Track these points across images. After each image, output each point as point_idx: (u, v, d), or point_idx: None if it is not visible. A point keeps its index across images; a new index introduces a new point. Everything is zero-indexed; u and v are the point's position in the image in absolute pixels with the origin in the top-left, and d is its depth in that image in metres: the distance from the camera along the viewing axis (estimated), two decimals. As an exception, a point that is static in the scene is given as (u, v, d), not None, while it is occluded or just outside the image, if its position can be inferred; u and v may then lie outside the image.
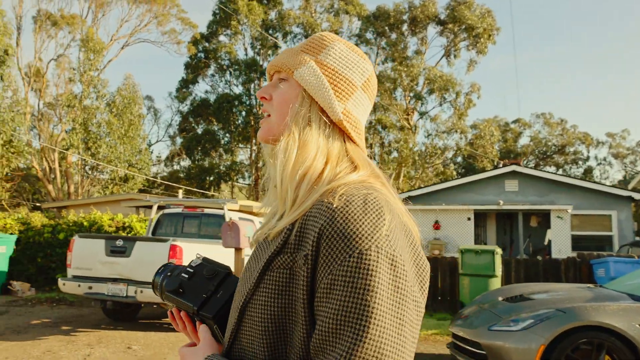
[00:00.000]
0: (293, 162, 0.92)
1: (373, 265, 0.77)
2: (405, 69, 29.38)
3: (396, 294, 0.78)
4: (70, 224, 11.41)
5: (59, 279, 7.24)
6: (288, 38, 33.86)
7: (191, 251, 6.98)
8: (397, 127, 30.74)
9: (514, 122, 49.95)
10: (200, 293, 1.03)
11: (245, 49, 34.32)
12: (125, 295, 6.86)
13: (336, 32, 33.81)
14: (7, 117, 19.02)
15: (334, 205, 0.82)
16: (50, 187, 28.66)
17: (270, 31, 33.58)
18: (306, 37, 34.25)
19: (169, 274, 1.09)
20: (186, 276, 1.05)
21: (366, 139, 23.61)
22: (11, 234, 11.50)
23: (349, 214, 0.81)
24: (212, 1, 31.76)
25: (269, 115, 1.00)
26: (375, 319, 0.75)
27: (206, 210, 8.83)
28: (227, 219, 7.50)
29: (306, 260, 0.82)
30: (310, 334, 0.81)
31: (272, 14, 34.45)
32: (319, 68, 0.97)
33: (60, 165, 25.00)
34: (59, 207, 18.08)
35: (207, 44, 34.06)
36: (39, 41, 27.88)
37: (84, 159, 22.77)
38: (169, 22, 32.11)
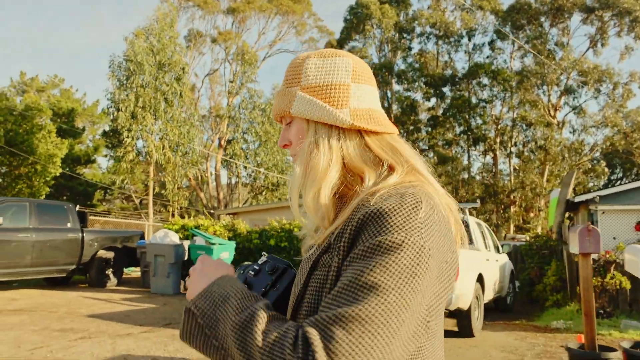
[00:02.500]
0: (308, 183, 0.96)
1: (395, 248, 0.80)
2: (553, 62, 27.88)
3: (410, 279, 0.79)
4: (279, 230, 11.97)
5: None
6: (421, 39, 33.49)
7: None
8: (543, 123, 29.24)
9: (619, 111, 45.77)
10: (261, 287, 1.09)
11: (379, 52, 34.46)
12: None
13: (471, 30, 32.93)
14: (184, 130, 20.71)
15: (372, 202, 0.87)
16: (202, 194, 30.68)
17: (404, 33, 33.44)
18: (439, 37, 33.74)
19: (241, 272, 1.15)
20: (252, 273, 1.12)
21: (510, 137, 22.35)
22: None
23: (385, 207, 0.84)
24: (344, 8, 32.10)
25: (295, 156, 1.03)
26: (376, 293, 0.77)
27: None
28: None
29: (343, 246, 0.86)
30: None
31: (402, 16, 34.30)
32: (306, 94, 0.99)
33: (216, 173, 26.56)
34: (231, 213, 19.13)
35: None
36: (190, 58, 30.09)
37: (245, 167, 24.14)
38: (306, 32, 33.12)
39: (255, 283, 1.12)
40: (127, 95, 19.72)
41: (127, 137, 19.66)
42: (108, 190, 39.55)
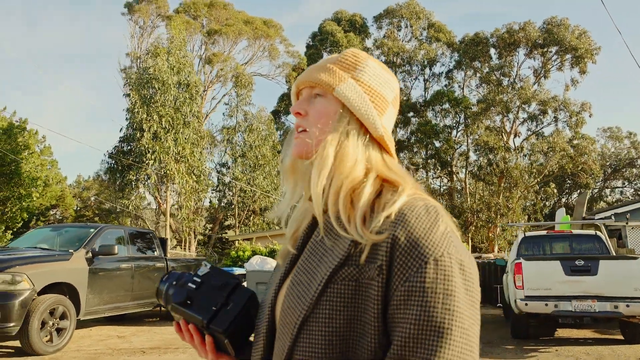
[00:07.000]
0: (333, 175, 0.92)
1: (448, 271, 0.80)
2: (516, 92, 30.14)
3: (468, 296, 0.81)
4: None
5: (518, 300, 7.71)
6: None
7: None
8: (502, 148, 31.30)
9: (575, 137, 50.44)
10: (209, 305, 0.97)
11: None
12: (596, 310, 7.34)
13: (433, 60, 34.76)
14: (197, 152, 19.81)
15: (404, 216, 0.84)
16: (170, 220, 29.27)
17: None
18: (398, 65, 35.16)
19: (174, 282, 1.02)
20: (193, 286, 0.99)
21: (475, 161, 23.85)
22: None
23: (419, 223, 0.83)
24: (310, 32, 32.64)
25: (303, 131, 0.99)
26: (457, 321, 0.77)
27: (574, 232, 9.33)
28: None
29: (381, 270, 0.82)
30: (382, 344, 0.81)
31: (367, 44, 35.44)
32: (357, 85, 0.98)
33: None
34: (247, 238, 18.59)
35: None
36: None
37: (244, 191, 23.44)
38: (279, 57, 33.17)
39: (199, 299, 0.98)
40: (149, 114, 18.55)
41: (150, 159, 18.45)
42: (40, 217, 36.64)
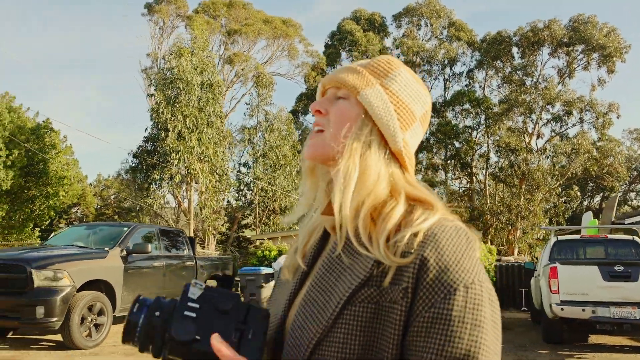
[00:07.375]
0: (354, 188, 0.86)
1: (478, 300, 0.76)
2: (539, 92, 29.81)
3: (495, 329, 0.78)
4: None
5: (553, 305, 7.65)
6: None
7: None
8: (525, 149, 31.00)
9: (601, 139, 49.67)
10: (223, 336, 0.76)
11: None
12: (636, 317, 7.26)
13: (453, 59, 34.56)
14: (220, 152, 20.06)
15: (435, 236, 0.79)
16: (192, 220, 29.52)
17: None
18: (417, 65, 34.99)
19: (156, 313, 0.78)
20: (193, 315, 0.77)
21: (497, 162, 23.57)
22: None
23: (450, 245, 0.78)
24: (325, 31, 32.64)
25: (320, 131, 0.93)
26: (483, 356, 0.73)
27: (610, 236, 9.23)
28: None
29: (406, 293, 0.77)
30: None
31: (385, 43, 35.33)
32: (385, 93, 0.92)
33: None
34: (271, 238, 18.64)
35: (321, 76, 34.92)
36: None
37: (265, 190, 23.61)
38: (298, 57, 33.28)
39: (208, 330, 0.76)
40: (173, 114, 18.85)
41: (175, 158, 18.74)
42: (63, 215, 37.22)
